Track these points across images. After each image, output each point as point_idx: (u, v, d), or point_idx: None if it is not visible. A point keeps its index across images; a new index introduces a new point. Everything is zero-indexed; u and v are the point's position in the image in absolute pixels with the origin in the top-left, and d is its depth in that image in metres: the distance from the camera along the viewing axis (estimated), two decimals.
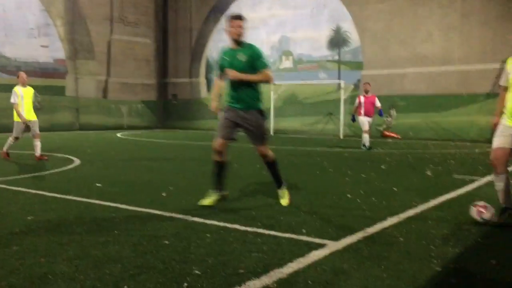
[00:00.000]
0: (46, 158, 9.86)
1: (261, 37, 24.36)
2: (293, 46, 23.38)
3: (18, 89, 9.75)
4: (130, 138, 18.41)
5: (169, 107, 27.95)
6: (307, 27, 22.67)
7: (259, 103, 5.37)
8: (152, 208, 5.13)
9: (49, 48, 22.80)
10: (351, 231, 4.22)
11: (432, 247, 3.78)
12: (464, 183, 7.14)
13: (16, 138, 9.96)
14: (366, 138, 13.02)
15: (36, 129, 9.96)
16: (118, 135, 20.01)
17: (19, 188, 6.35)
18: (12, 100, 9.68)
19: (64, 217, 4.71)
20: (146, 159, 10.63)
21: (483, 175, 7.99)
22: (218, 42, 25.88)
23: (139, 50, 26.79)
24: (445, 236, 4.10)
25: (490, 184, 7.05)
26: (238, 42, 5.29)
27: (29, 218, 4.66)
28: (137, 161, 10.11)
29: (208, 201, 5.34)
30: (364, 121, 12.89)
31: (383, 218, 4.69)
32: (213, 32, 26.06)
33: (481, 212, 4.49)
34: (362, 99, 12.96)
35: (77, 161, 9.64)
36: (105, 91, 25.26)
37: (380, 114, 13.32)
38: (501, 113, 4.64)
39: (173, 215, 4.84)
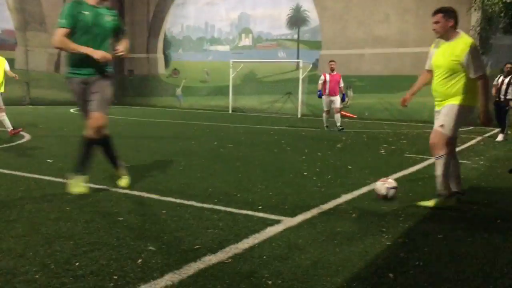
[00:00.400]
0: (20, 130, 9.56)
1: (220, 13, 24.04)
2: (253, 24, 23.20)
3: None
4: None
5: (125, 83, 27.26)
6: (266, 5, 22.52)
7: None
8: (106, 185, 5.02)
9: None
10: (307, 207, 4.29)
11: (383, 222, 3.90)
12: (415, 161, 7.39)
13: (1, 109, 9.31)
14: (327, 119, 13.05)
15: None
16: (71, 110, 19.37)
17: None
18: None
19: (13, 194, 4.54)
20: None
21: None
22: (177, 17, 25.34)
23: None
24: (396, 212, 4.24)
25: None
26: None
27: None
28: None
29: (80, 188, 4.59)
30: (327, 101, 12.81)
31: (338, 195, 4.79)
32: (171, 7, 25.44)
33: (389, 189, 4.68)
34: (327, 77, 12.76)
35: (27, 137, 9.28)
36: (57, 65, 24.29)
37: (343, 99, 13.15)
38: (413, 93, 4.84)
39: (128, 191, 4.76)
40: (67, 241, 3.22)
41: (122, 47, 4.70)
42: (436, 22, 4.48)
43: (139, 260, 2.89)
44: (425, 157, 7.87)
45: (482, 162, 7.59)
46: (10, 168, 5.86)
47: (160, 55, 26.23)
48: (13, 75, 10.07)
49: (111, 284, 2.55)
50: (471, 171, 6.65)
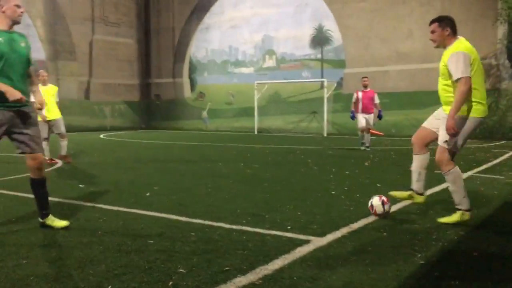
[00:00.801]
0: (69, 160, 9.60)
1: (243, 36, 24.36)
2: (276, 45, 23.41)
3: None
4: (113, 139, 18.24)
5: (152, 108, 27.77)
6: (289, 26, 22.71)
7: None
8: (136, 208, 5.09)
9: None
10: (336, 227, 4.24)
11: (415, 241, 3.82)
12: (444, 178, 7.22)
13: (46, 139, 9.35)
14: (362, 136, 12.24)
15: (60, 128, 9.60)
16: (101, 136, 19.80)
17: (1, 191, 6.24)
18: (32, 99, 9.46)
19: None
20: (129, 159, 10.55)
21: (465, 170, 8.11)
22: (201, 42, 25.81)
23: (121, 50, 26.55)
24: (428, 230, 4.15)
25: (471, 179, 7.18)
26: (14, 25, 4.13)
27: (12, 219, 4.59)
28: (121, 162, 10.02)
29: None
30: (361, 118, 12.00)
31: (367, 214, 4.73)
32: (196, 32, 25.95)
33: (385, 202, 4.61)
34: (360, 94, 12.09)
35: (59, 163, 9.51)
36: (87, 92, 24.97)
37: (379, 117, 12.12)
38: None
39: (157, 214, 4.81)
40: (99, 264, 3.26)
41: (37, 100, 4.34)
42: (432, 32, 4.47)
43: (170, 283, 2.91)
44: None
45: None
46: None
47: (185, 79, 26.67)
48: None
49: None
50: (504, 186, 6.46)
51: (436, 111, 4.62)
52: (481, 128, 17.72)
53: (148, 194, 5.99)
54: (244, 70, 24.61)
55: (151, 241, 3.81)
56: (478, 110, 4.28)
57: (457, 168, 4.38)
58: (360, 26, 20.35)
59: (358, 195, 5.79)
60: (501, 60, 16.97)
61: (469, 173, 7.78)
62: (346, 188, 6.31)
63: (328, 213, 4.85)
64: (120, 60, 26.45)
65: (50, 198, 4.43)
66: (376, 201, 4.64)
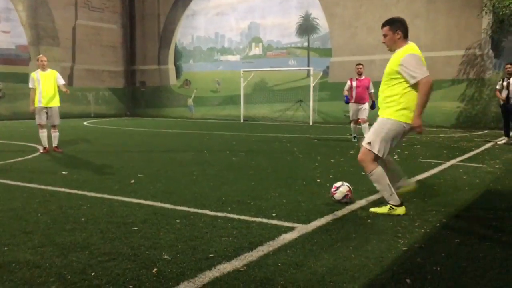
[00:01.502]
0: (60, 150, 9.26)
1: (230, 23, 24.17)
2: (263, 33, 23.28)
3: (35, 74, 9.29)
4: (97, 126, 18.04)
5: (137, 95, 27.50)
6: (276, 14, 22.59)
7: None
8: (120, 195, 5.05)
9: (11, 34, 21.97)
10: (321, 214, 4.27)
11: (398, 227, 3.86)
12: (430, 166, 7.32)
13: (41, 126, 9.20)
14: (355, 127, 11.65)
15: (54, 118, 9.28)
16: (85, 123, 19.58)
17: None
18: (30, 85, 9.27)
19: (29, 206, 4.59)
20: (113, 146, 10.45)
21: (448, 159, 8.21)
22: (187, 28, 25.55)
23: (105, 36, 26.16)
24: (411, 217, 4.19)
25: (454, 167, 7.27)
26: None
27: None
28: (104, 149, 9.92)
29: None
30: (355, 108, 11.31)
31: (352, 202, 4.76)
32: (181, 18, 25.67)
33: (333, 193, 4.70)
34: (354, 83, 11.31)
35: (41, 149, 9.37)
36: (70, 78, 24.59)
37: (373, 107, 11.14)
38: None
39: (142, 201, 4.78)
40: (83, 251, 3.23)
41: None
42: (384, 36, 4.42)
43: (154, 269, 2.90)
44: (439, 161, 7.79)
45: (497, 166, 7.48)
46: (25, 180, 5.92)
47: (171, 66, 26.42)
48: (65, 89, 9.43)
49: None
50: (486, 175, 6.56)
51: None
52: (464, 117, 17.91)
53: (132, 181, 5.95)
54: (230, 57, 24.46)
55: (135, 228, 3.79)
56: (406, 116, 4.20)
57: (379, 168, 4.29)
58: (346, 14, 20.31)
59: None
60: (485, 50, 17.12)
61: (452, 161, 7.88)
62: (331, 176, 6.34)
63: (313, 200, 4.87)
64: (104, 46, 26.08)
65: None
66: (343, 190, 4.69)
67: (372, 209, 4.41)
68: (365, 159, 4.37)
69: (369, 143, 4.32)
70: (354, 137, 11.65)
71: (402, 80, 4.22)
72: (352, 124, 11.81)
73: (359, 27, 20.02)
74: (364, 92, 11.26)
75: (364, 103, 11.27)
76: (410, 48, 4.26)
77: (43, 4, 23.05)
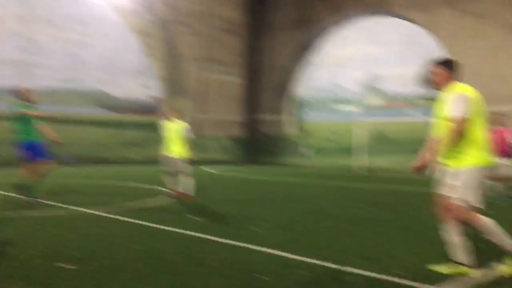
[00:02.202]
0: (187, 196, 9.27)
1: (348, 73, 24.37)
2: (381, 83, 23.06)
3: (164, 123, 9.94)
4: (225, 174, 18.90)
5: (256, 143, 28.48)
6: (395, 64, 22.31)
7: None
8: (248, 243, 5.25)
9: (148, 87, 24.61)
10: (451, 277, 4.03)
11: None
12: None
13: (168, 172, 9.48)
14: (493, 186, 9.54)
15: (179, 165, 9.41)
16: (213, 171, 20.61)
17: (125, 218, 6.81)
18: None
19: (163, 247, 4.98)
20: (239, 193, 10.84)
21: None
22: (305, 79, 26.30)
23: (229, 88, 27.88)
24: None
25: None
26: None
27: (134, 247, 5.00)
28: (233, 196, 10.35)
29: None
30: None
31: (488, 262, 4.42)
32: (300, 69, 26.51)
33: None
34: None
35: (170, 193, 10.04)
36: (196, 128, 26.39)
37: None
38: None
39: (268, 250, 4.91)
40: None
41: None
42: (435, 74, 4.51)
43: None
44: None
45: None
46: (162, 223, 6.41)
47: (289, 116, 27.17)
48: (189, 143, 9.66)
49: None
50: None
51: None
52: None
53: (252, 228, 6.13)
54: (348, 107, 24.49)
55: (267, 278, 3.90)
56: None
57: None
58: (471, 63, 19.36)
59: (479, 244, 5.43)
60: None
61: None
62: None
63: (442, 261, 4.62)
64: (227, 97, 27.76)
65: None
66: None
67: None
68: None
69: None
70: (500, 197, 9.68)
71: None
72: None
73: (485, 76, 18.91)
74: (502, 145, 9.71)
75: (503, 156, 9.64)
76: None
77: (176, 60, 25.45)
